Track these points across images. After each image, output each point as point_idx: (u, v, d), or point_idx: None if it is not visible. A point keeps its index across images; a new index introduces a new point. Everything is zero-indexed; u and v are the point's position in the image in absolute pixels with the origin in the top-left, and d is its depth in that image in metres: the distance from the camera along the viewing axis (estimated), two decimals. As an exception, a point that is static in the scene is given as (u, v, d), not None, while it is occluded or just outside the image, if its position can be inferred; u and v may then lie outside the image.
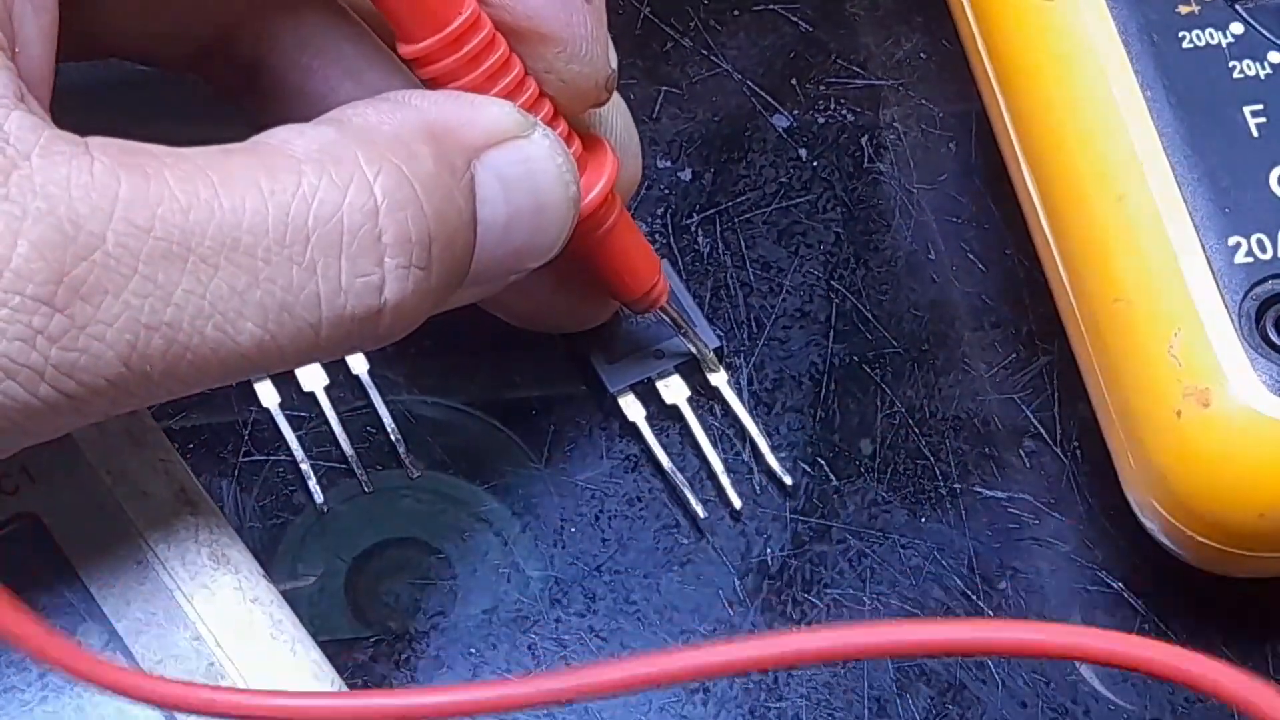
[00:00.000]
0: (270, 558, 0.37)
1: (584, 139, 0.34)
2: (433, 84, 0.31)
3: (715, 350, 0.39)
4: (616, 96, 0.34)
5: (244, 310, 0.27)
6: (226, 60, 0.34)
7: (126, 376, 0.27)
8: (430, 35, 0.31)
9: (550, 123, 0.32)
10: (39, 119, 0.27)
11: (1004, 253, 0.41)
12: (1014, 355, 0.40)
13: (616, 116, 0.35)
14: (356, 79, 0.34)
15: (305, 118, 0.30)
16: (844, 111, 0.43)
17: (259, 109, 0.34)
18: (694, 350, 0.39)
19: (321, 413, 0.38)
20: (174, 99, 0.36)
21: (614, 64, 0.33)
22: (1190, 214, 0.35)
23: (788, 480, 0.38)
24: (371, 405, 0.38)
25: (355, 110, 0.30)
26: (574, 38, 0.32)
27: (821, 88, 0.43)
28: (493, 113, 0.31)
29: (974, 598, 0.37)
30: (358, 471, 0.38)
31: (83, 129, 0.27)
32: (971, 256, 0.41)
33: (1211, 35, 0.37)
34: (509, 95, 0.31)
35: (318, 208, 0.28)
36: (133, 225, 0.26)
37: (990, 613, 0.37)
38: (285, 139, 0.29)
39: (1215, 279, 0.35)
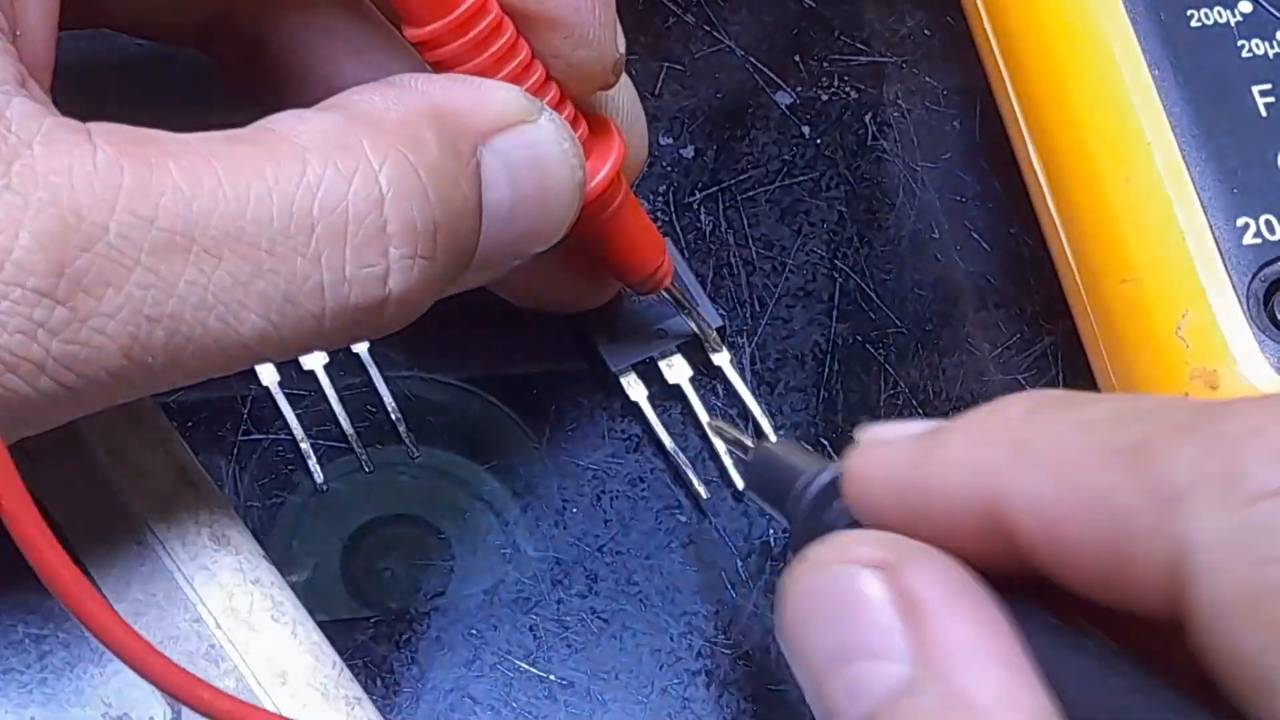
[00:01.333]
0: (268, 536, 0.37)
1: (590, 121, 0.34)
2: (439, 67, 0.31)
3: (718, 329, 0.39)
4: (624, 77, 0.34)
5: (247, 301, 0.27)
6: (229, 37, 0.34)
7: (128, 368, 0.27)
8: (437, 19, 0.30)
9: (556, 106, 0.32)
10: (41, 105, 0.26)
11: (1008, 232, 0.41)
12: (1018, 335, 0.40)
13: (623, 97, 0.35)
14: (361, 59, 0.33)
15: (310, 99, 0.30)
16: (847, 89, 0.43)
17: (263, 89, 0.34)
18: (696, 330, 0.38)
19: (321, 390, 0.38)
20: (176, 80, 0.35)
21: (622, 48, 0.33)
22: (1198, 194, 0.35)
23: (791, 461, 0.38)
24: (371, 383, 0.38)
25: (361, 95, 0.30)
26: (581, 22, 0.31)
27: (824, 65, 0.43)
28: (499, 97, 0.30)
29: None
30: (357, 450, 0.38)
31: (83, 111, 0.27)
32: (975, 235, 0.41)
33: (1220, 14, 0.37)
34: (515, 79, 0.31)
35: (323, 197, 0.28)
36: (135, 216, 0.26)
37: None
38: (290, 125, 0.28)
39: (1223, 260, 0.35)
